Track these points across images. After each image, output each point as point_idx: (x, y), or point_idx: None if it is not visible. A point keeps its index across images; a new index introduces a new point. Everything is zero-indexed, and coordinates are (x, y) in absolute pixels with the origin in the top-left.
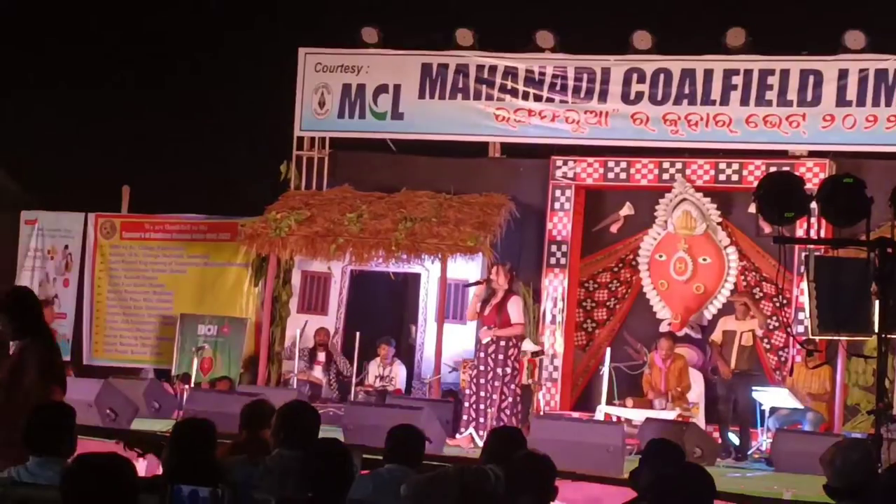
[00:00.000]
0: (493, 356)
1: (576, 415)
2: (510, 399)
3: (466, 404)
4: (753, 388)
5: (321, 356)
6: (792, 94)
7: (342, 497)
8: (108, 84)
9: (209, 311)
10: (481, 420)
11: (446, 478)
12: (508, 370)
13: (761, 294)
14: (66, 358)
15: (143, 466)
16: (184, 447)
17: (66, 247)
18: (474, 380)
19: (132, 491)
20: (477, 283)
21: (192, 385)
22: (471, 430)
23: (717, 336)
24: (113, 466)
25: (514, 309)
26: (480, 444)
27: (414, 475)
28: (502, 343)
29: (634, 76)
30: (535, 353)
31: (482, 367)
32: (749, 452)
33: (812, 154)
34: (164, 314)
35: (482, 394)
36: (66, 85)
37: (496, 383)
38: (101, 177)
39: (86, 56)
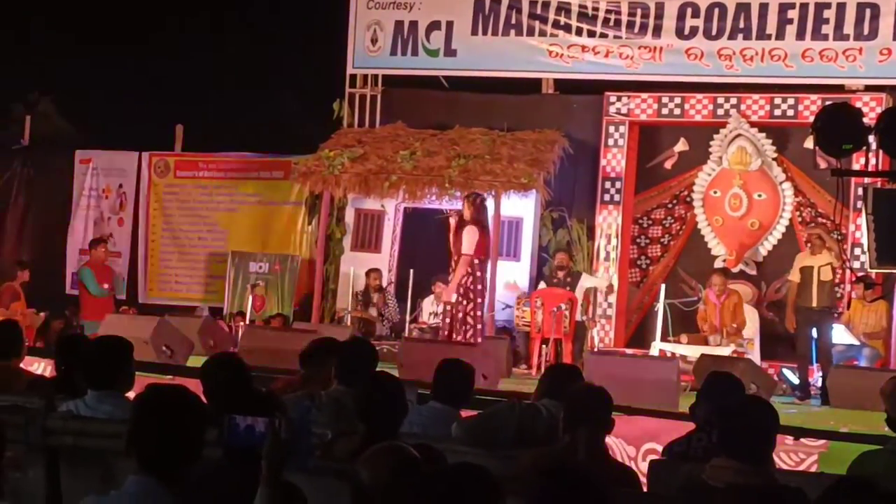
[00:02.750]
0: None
1: (630, 351)
2: (478, 327)
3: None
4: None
5: (375, 297)
6: (848, 28)
7: (396, 430)
8: (162, 23)
9: (263, 250)
10: None
11: (499, 416)
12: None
13: None
14: (122, 296)
15: None
16: (218, 384)
17: (121, 186)
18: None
19: (201, 421)
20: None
21: (247, 322)
22: None
23: (794, 275)
24: (183, 397)
25: (467, 238)
26: None
27: (457, 415)
28: (477, 273)
29: (689, 11)
30: (590, 289)
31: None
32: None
33: (868, 88)
34: (218, 253)
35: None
36: (119, 26)
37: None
38: (155, 116)
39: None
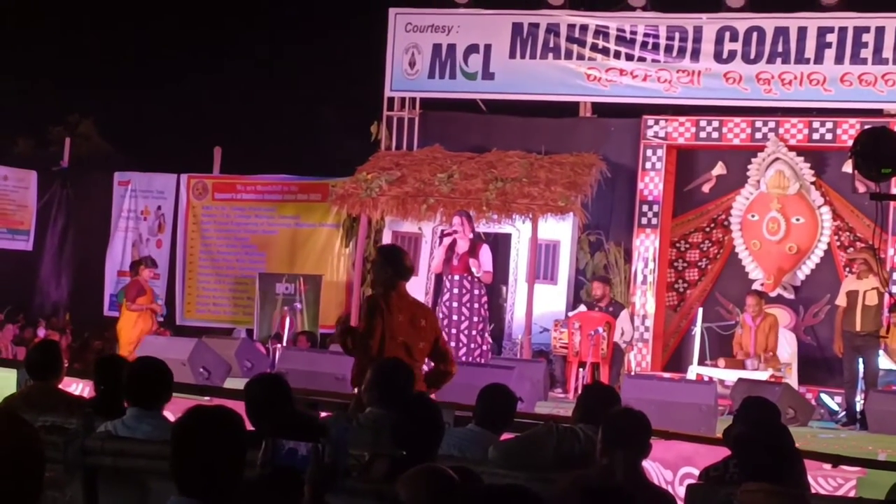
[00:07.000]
0: (467, 305)
1: (667, 375)
2: (484, 347)
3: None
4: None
5: None
6: (887, 52)
7: (434, 452)
8: (202, 46)
9: (300, 272)
10: None
11: (537, 439)
12: (480, 316)
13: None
14: (160, 319)
15: None
16: (260, 405)
17: (159, 207)
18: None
19: (242, 443)
20: (451, 233)
21: (284, 344)
22: None
23: (841, 300)
24: (225, 419)
25: (487, 257)
26: None
27: (496, 439)
28: (476, 292)
29: (727, 34)
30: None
31: (454, 317)
32: (841, 415)
33: None
34: (255, 275)
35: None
36: (158, 49)
37: (470, 331)
38: (193, 138)
39: (178, 21)
